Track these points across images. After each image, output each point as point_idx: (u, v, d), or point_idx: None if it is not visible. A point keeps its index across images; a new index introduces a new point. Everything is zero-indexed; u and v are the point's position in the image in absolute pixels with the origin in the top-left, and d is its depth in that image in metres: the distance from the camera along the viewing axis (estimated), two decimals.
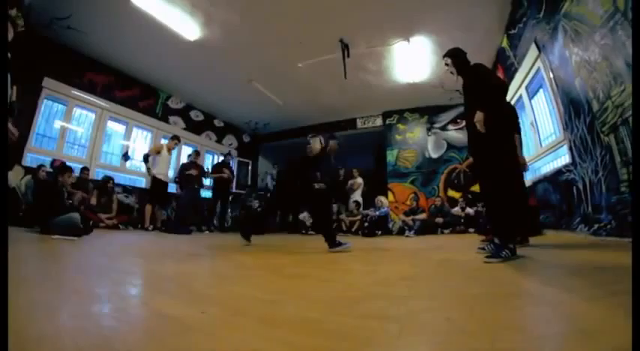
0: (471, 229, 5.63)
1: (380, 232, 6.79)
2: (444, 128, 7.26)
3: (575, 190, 2.91)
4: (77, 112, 5.28)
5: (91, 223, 4.48)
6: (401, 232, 6.77)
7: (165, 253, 2.93)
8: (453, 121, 7.15)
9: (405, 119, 7.75)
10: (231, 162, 7.81)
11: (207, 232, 6.43)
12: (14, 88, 3.34)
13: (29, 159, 4.48)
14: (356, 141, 9.18)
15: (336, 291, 1.32)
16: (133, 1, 4.18)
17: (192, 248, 3.33)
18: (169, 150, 5.95)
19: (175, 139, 6.08)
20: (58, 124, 4.94)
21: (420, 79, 6.26)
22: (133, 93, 6.19)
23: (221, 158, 7.70)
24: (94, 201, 4.81)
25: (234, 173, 7.96)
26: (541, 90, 3.86)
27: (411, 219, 6.59)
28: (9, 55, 3.22)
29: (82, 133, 5.39)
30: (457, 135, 7.09)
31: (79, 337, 0.69)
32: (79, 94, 5.03)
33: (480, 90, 2.19)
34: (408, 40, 5.12)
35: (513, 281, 1.40)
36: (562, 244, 2.58)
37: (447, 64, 2.55)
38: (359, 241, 5.35)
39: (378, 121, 8.19)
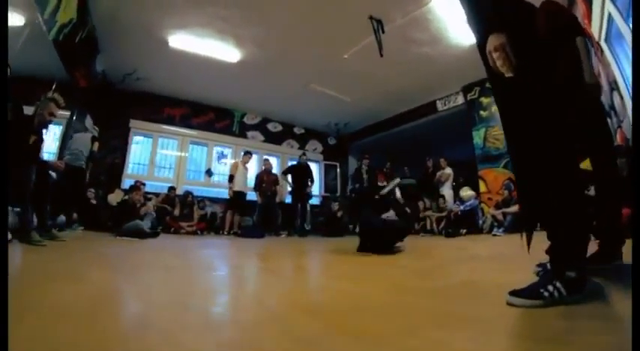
0: None
1: (464, 231, 5.66)
2: None
3: None
4: (163, 141, 6.60)
5: (172, 229, 5.51)
6: (492, 229, 5.46)
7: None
8: None
9: (488, 90, 6.19)
10: (308, 163, 7.72)
11: (283, 236, 6.74)
12: (96, 143, 4.51)
13: (127, 183, 5.85)
14: (440, 126, 8.00)
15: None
16: (171, 44, 4.92)
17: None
18: (244, 164, 6.72)
19: (248, 154, 6.83)
20: (146, 153, 6.34)
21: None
22: (209, 117, 7.25)
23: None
24: (177, 212, 5.84)
25: (312, 176, 7.85)
26: None
27: (500, 213, 5.23)
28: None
29: (169, 157, 6.70)
30: None
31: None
32: (162, 126, 6.32)
33: None
34: None
35: None
36: None
37: None
38: (429, 242, 4.59)
39: (460, 99, 6.88)
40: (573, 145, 1.22)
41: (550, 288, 1.00)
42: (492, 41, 1.14)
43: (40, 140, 3.13)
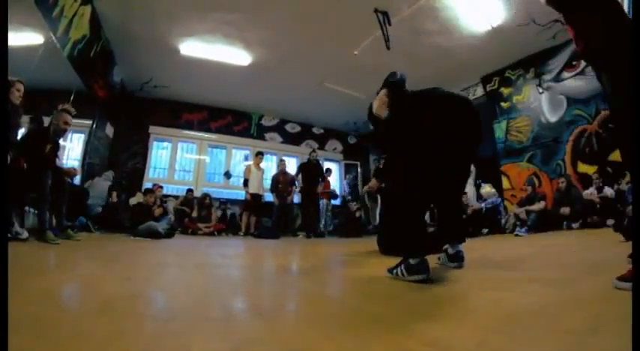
0: (610, 221, 3.56)
1: (486, 231, 5.34)
2: (558, 78, 4.97)
3: None
4: (183, 145, 6.92)
5: (190, 231, 5.74)
6: (515, 228, 5.09)
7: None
8: (568, 66, 4.78)
9: (508, 79, 5.79)
10: (319, 160, 7.48)
11: (300, 236, 6.71)
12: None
13: (148, 187, 6.15)
14: None
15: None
16: (182, 52, 5.14)
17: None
18: (257, 166, 6.80)
19: (259, 154, 6.89)
20: (166, 157, 6.67)
21: (500, 21, 4.61)
22: (227, 121, 7.48)
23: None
24: (195, 214, 6.06)
25: (323, 174, 7.64)
26: None
27: (524, 211, 4.86)
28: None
29: (188, 160, 7.01)
30: (577, 83, 4.69)
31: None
32: (181, 131, 6.63)
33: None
34: None
35: None
36: None
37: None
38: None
39: (479, 91, 6.49)
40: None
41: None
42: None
43: (56, 148, 3.39)
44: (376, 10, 4.73)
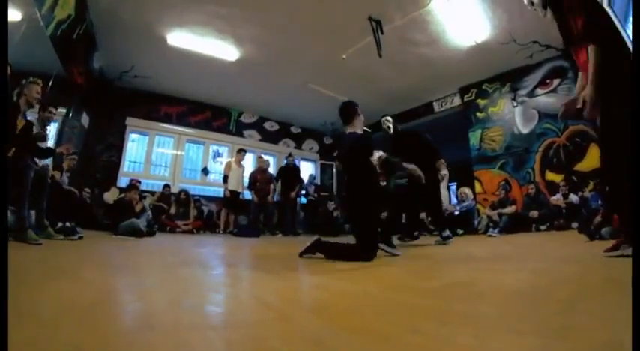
0: (575, 224, 4.02)
1: (462, 232, 5.70)
2: (531, 94, 5.50)
3: None
4: (160, 139, 6.59)
5: (167, 228, 5.49)
6: (487, 230, 5.51)
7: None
8: (542, 83, 5.33)
9: (485, 92, 6.26)
10: (295, 163, 7.63)
11: (279, 235, 6.67)
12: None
13: (123, 182, 5.80)
14: (436, 127, 8.01)
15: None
16: (169, 42, 4.89)
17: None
18: (238, 163, 6.66)
19: (241, 152, 6.77)
20: (142, 151, 6.32)
21: (484, 38, 4.97)
22: (206, 116, 7.23)
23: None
24: (173, 211, 5.79)
25: (299, 177, 7.52)
26: None
27: (496, 214, 5.28)
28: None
29: (165, 155, 6.68)
30: (549, 99, 5.23)
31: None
32: (158, 124, 6.30)
33: None
34: None
35: None
36: None
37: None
38: (423, 242, 4.59)
39: (457, 100, 6.93)
40: None
41: None
42: None
43: (30, 126, 3.02)
44: (370, 18, 4.87)
